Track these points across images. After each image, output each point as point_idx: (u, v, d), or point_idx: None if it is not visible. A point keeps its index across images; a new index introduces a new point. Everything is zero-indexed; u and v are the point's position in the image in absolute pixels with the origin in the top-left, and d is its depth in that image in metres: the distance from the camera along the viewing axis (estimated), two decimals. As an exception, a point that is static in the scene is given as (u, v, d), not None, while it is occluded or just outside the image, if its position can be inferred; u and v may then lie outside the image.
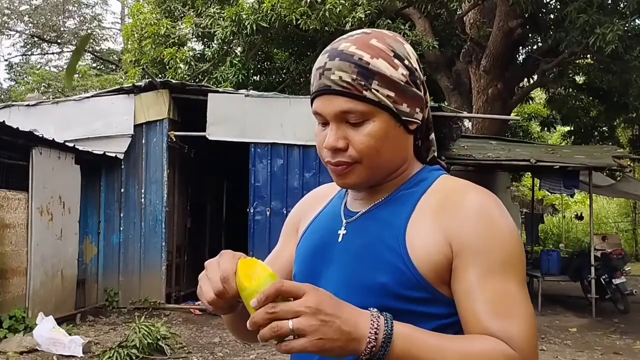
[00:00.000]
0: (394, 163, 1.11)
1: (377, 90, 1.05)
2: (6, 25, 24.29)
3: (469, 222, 1.02)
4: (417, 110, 1.11)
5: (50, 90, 21.33)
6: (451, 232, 1.02)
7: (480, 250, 1.00)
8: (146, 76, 10.22)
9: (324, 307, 0.89)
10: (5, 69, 28.76)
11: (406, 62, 1.09)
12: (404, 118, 1.08)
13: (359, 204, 1.16)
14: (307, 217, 1.27)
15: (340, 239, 1.13)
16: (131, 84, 9.44)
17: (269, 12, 10.58)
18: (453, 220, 1.03)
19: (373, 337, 0.90)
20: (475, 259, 1.00)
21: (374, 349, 0.90)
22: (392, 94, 1.06)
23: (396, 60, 1.08)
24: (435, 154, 1.20)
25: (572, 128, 17.51)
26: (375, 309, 0.94)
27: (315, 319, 0.88)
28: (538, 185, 12.00)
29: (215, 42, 13.01)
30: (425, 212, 1.06)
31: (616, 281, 9.21)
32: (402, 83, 1.07)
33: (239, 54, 13.29)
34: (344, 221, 1.15)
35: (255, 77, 13.84)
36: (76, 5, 25.56)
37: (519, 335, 0.96)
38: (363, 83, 1.04)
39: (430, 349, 0.93)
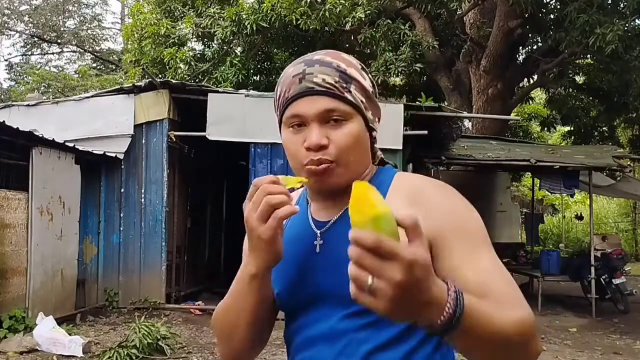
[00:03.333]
0: (363, 165, 1.18)
1: (355, 94, 1.13)
2: (6, 25, 24.30)
3: (439, 212, 1.08)
4: (377, 119, 1.20)
5: (50, 90, 21.34)
6: (426, 225, 0.96)
7: (457, 233, 1.06)
8: (146, 76, 10.22)
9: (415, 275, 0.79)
10: (5, 69, 28.78)
11: (369, 76, 1.19)
12: (370, 125, 1.17)
13: (325, 212, 1.18)
14: None
15: (318, 250, 1.15)
16: (131, 84, 9.44)
17: (269, 12, 10.59)
18: (425, 214, 1.01)
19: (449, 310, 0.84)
20: (455, 240, 1.06)
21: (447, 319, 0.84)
22: (364, 100, 1.15)
23: (363, 73, 1.17)
24: (382, 156, 1.28)
25: (572, 128, 17.52)
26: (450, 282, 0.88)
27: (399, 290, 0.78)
28: (538, 185, 12.00)
29: (215, 42, 13.03)
30: (396, 210, 1.03)
31: (616, 281, 9.22)
32: (370, 92, 1.17)
33: (239, 54, 13.30)
34: (317, 231, 1.17)
35: (255, 77, 13.84)
36: (76, 5, 25.57)
37: (517, 294, 1.03)
38: (345, 85, 1.12)
39: (484, 321, 0.90)
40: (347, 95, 1.12)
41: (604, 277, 9.25)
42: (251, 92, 9.37)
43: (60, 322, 6.76)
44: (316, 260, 1.14)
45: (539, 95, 19.47)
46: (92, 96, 9.16)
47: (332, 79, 1.11)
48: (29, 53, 26.43)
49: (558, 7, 12.34)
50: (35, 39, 25.14)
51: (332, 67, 1.12)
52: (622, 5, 11.30)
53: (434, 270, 0.94)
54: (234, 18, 11.06)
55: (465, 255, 1.04)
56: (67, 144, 7.80)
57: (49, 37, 24.76)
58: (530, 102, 18.08)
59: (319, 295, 1.13)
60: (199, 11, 12.54)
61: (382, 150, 1.31)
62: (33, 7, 24.45)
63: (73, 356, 5.95)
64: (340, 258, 1.04)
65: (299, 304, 1.17)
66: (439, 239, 1.06)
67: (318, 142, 1.09)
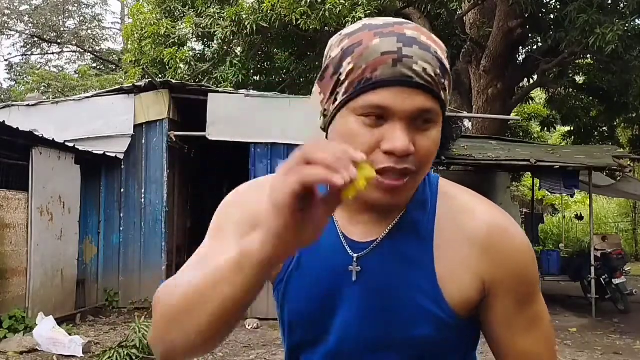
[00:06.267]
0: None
1: (447, 93, 0.91)
2: (6, 25, 24.29)
3: (497, 255, 0.95)
4: None
5: (50, 90, 21.32)
6: (483, 268, 0.95)
7: (514, 282, 0.96)
8: (146, 76, 10.22)
9: None
10: (5, 69, 28.80)
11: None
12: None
13: (361, 230, 0.98)
14: None
15: (354, 278, 0.95)
16: (131, 84, 9.44)
17: (269, 12, 10.58)
18: (481, 255, 0.95)
19: None
20: (508, 293, 0.96)
21: None
22: (447, 101, 0.93)
23: (448, 64, 0.92)
24: None
25: (572, 128, 17.51)
26: None
27: None
28: (538, 185, 12.00)
29: (215, 42, 13.01)
30: (446, 244, 0.96)
31: (616, 281, 9.22)
32: (451, 90, 0.95)
33: (239, 54, 13.29)
34: (354, 255, 0.96)
35: (255, 77, 13.84)
36: (76, 5, 25.56)
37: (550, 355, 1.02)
38: (442, 81, 0.89)
39: None
40: (442, 93, 0.89)
41: (604, 277, 9.26)
42: (251, 92, 9.38)
43: (60, 322, 6.76)
44: (352, 291, 0.95)
45: (539, 95, 19.46)
46: (92, 96, 9.17)
47: (432, 70, 0.87)
48: (29, 53, 26.42)
49: (558, 7, 12.34)
50: (35, 39, 25.13)
51: (431, 53, 0.88)
52: (622, 5, 11.29)
53: (485, 312, 0.98)
54: (234, 18, 11.05)
55: (511, 313, 0.97)
56: (67, 144, 7.80)
57: (49, 37, 24.75)
58: (530, 102, 18.07)
59: (357, 340, 0.96)
60: (199, 11, 12.53)
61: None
62: (33, 7, 24.44)
63: (73, 356, 5.95)
64: (378, 297, 0.94)
65: (320, 337, 0.99)
66: (492, 291, 0.96)
67: (407, 148, 0.86)
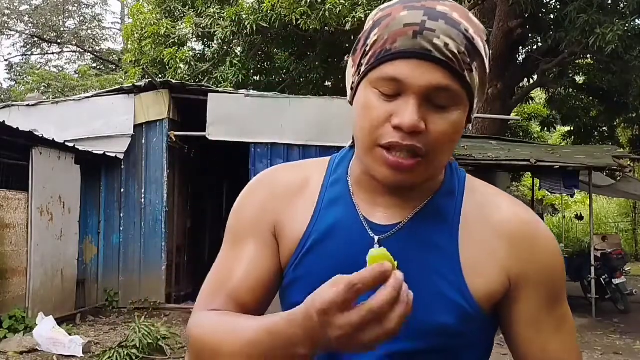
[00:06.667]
0: (445, 164, 0.95)
1: (475, 75, 0.87)
2: (6, 25, 24.30)
3: (526, 250, 0.93)
4: (476, 111, 0.93)
5: (50, 90, 21.31)
6: (510, 262, 0.93)
7: (543, 279, 0.94)
8: (146, 76, 10.23)
9: None
10: (5, 69, 28.80)
11: (489, 50, 0.90)
12: (470, 115, 0.91)
13: (383, 213, 0.95)
14: (287, 218, 1.00)
15: None
16: (131, 84, 9.45)
17: (269, 12, 10.59)
18: (508, 248, 0.93)
19: None
20: (535, 289, 0.94)
21: None
22: (479, 84, 0.89)
23: (486, 46, 0.89)
24: None
25: (572, 128, 17.50)
26: None
27: None
28: (538, 185, 12.00)
29: (215, 42, 13.02)
30: (472, 235, 0.94)
31: (616, 281, 9.23)
32: (487, 74, 0.91)
33: (239, 54, 13.29)
34: (375, 237, 0.93)
35: (255, 77, 13.84)
36: (76, 5, 25.56)
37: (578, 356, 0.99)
38: (468, 60, 0.85)
39: None
40: (467, 74, 0.85)
41: (604, 277, 9.26)
42: (251, 92, 9.38)
43: (60, 322, 6.76)
44: None
45: (539, 95, 19.46)
46: (92, 96, 9.17)
47: (456, 46, 0.83)
48: (29, 53, 26.42)
49: (558, 7, 12.34)
50: (35, 39, 25.13)
51: (459, 29, 0.84)
52: (622, 5, 11.29)
53: (510, 311, 0.96)
54: (234, 18, 11.06)
55: (537, 313, 0.95)
56: (67, 144, 7.80)
57: (49, 37, 24.76)
58: (530, 102, 18.06)
59: None
60: (199, 11, 12.54)
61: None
62: (33, 7, 24.44)
63: (73, 356, 5.95)
64: (411, 279, 0.86)
65: None
66: (518, 287, 0.93)
67: (415, 124, 0.83)
